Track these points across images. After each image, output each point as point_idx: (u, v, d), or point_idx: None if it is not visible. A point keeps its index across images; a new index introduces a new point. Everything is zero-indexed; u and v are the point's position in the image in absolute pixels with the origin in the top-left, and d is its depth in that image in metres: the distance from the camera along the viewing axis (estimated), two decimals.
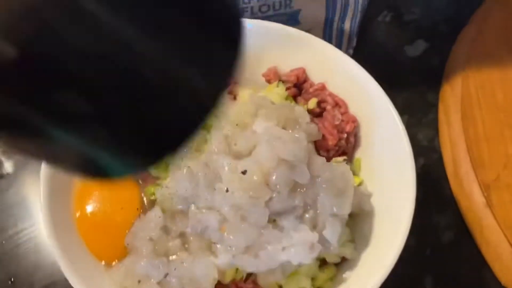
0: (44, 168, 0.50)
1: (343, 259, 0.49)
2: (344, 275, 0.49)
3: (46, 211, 0.48)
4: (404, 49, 0.72)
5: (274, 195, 0.45)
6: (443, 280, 0.58)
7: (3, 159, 0.67)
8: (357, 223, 0.51)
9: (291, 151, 0.45)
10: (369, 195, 0.51)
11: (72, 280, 0.45)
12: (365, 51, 0.71)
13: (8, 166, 0.67)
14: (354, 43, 0.69)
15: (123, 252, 0.49)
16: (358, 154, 0.55)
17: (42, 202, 0.49)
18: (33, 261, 0.59)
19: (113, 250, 0.49)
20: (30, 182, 0.65)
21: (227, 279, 0.47)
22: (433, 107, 0.68)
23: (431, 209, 0.61)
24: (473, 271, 0.58)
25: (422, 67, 0.71)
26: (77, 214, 0.51)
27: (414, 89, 0.69)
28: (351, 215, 0.48)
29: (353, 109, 0.56)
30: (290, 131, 0.48)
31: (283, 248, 0.44)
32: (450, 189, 0.62)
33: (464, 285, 0.58)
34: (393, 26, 0.74)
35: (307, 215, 0.46)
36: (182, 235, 0.48)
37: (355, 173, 0.53)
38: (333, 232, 0.45)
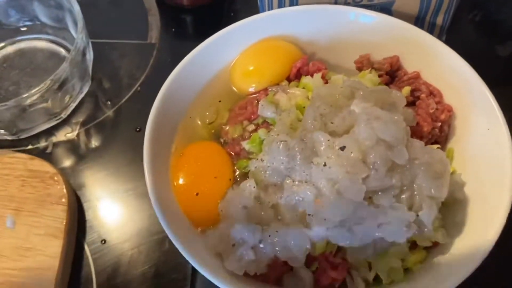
0: (146, 143, 0.51)
1: (434, 244, 0.49)
2: (434, 260, 0.48)
3: (151, 185, 0.49)
4: (495, 48, 0.71)
5: (371, 172, 0.45)
6: None
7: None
8: (449, 211, 0.50)
9: (390, 131, 0.46)
10: (462, 184, 0.51)
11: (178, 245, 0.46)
12: (454, 49, 0.70)
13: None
14: (443, 39, 0.69)
15: (217, 219, 0.51)
16: (451, 144, 0.55)
17: (147, 176, 0.50)
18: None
19: (207, 217, 0.51)
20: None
21: (317, 252, 0.47)
22: None
23: None
24: None
25: None
26: (175, 184, 0.53)
27: (505, 89, 0.67)
28: (443, 203, 0.48)
29: (448, 99, 0.55)
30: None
31: (379, 225, 0.45)
32: None
33: None
34: (483, 25, 0.73)
35: (403, 196, 0.46)
36: (274, 207, 0.49)
37: None
38: (429, 214, 0.45)
